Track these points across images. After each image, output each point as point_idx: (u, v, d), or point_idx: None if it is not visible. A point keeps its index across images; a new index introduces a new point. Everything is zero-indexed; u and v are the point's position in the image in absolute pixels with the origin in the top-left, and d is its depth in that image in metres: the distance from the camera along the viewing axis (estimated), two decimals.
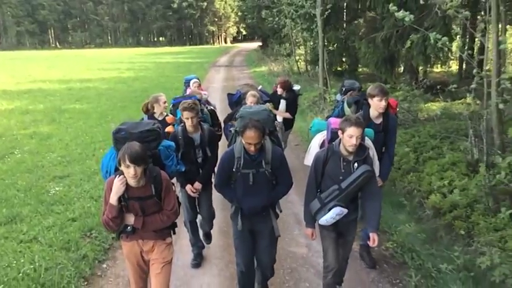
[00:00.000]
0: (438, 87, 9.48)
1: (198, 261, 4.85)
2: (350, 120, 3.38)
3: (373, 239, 3.52)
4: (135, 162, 2.95)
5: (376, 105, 4.35)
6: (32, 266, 4.34)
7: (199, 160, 4.51)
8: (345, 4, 13.49)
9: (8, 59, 42.07)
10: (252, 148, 3.44)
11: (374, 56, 10.62)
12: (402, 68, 14.59)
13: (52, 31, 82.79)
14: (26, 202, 6.12)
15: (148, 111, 5.43)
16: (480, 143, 5.84)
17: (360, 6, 13.80)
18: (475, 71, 5.47)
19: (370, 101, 4.40)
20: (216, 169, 3.90)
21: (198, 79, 7.44)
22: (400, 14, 5.74)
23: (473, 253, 4.53)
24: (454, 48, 9.64)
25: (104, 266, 4.71)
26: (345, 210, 3.51)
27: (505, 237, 4.43)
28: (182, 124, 4.49)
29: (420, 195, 6.04)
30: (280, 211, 3.89)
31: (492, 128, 5.70)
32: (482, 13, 7.28)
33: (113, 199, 3.08)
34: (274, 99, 7.19)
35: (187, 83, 7.42)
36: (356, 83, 5.93)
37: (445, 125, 8.57)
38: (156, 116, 5.37)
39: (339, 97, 5.89)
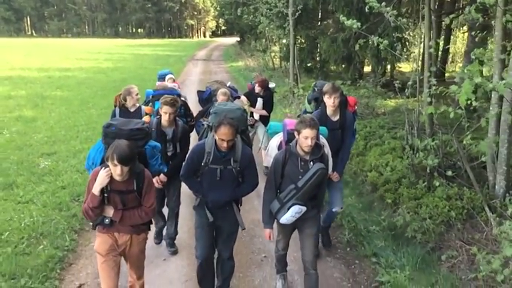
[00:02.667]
0: (396, 85, 10.58)
1: (160, 240, 5.11)
2: (305, 122, 3.48)
3: (336, 175, 4.23)
4: (123, 162, 3.05)
5: (327, 103, 4.56)
6: (31, 219, 5.23)
7: (169, 154, 4.59)
8: (317, 5, 14.43)
9: None
10: (225, 144, 3.48)
11: (335, 54, 11.68)
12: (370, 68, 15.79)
13: (28, 19, 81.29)
14: (19, 173, 6.89)
15: (120, 104, 5.38)
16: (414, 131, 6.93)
17: (328, 9, 14.80)
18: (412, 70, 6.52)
19: (323, 98, 4.62)
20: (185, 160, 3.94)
21: (172, 74, 7.64)
22: (349, 22, 6.59)
23: (396, 217, 5.60)
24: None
25: (91, 223, 5.54)
26: (304, 208, 3.62)
27: (421, 204, 5.49)
28: (158, 117, 4.59)
29: (363, 174, 7.10)
30: (241, 205, 3.99)
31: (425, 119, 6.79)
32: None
33: (96, 189, 3.15)
34: (251, 98, 7.47)
35: (161, 78, 7.56)
36: (328, 83, 6.47)
37: (394, 118, 9.69)
38: (128, 108, 5.34)
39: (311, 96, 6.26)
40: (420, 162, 5.80)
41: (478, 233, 4.78)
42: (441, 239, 4.95)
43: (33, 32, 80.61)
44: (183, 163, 3.97)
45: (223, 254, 4.01)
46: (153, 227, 4.65)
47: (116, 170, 3.08)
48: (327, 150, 3.97)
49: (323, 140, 3.98)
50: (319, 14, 17.58)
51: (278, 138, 4.15)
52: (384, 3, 6.11)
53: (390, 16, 6.50)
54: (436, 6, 6.10)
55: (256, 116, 7.56)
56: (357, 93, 11.12)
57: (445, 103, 5.98)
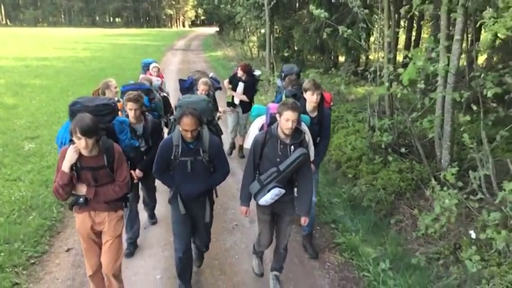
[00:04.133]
0: (365, 73, 11.20)
1: (131, 250, 4.80)
2: (287, 105, 3.55)
3: (304, 220, 3.88)
4: (86, 134, 3.03)
5: (309, 99, 4.56)
6: (20, 194, 5.67)
7: (143, 149, 4.57)
8: None
9: None
10: (189, 135, 3.53)
11: (307, 44, 12.22)
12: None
13: (2, 8, 79.40)
14: (5, 155, 7.26)
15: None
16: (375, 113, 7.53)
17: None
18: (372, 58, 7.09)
19: (304, 94, 4.61)
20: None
21: (156, 63, 7.68)
22: (317, 12, 7.12)
23: (355, 190, 6.20)
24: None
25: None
26: (283, 191, 3.68)
27: (377, 177, 6.10)
28: (127, 113, 4.53)
29: (329, 154, 7.69)
30: (216, 196, 4.09)
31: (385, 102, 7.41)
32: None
33: (65, 166, 3.15)
34: (234, 81, 7.53)
35: (145, 67, 7.57)
36: (295, 67, 6.37)
37: (362, 104, 10.31)
38: None
39: (279, 82, 6.43)
40: (378, 140, 6.40)
41: (423, 201, 5.42)
42: (392, 207, 5.58)
43: (8, 21, 78.82)
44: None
45: (201, 248, 4.13)
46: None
47: (81, 143, 3.07)
48: (308, 137, 4.04)
49: (305, 127, 4.02)
50: (297, 4, 18.08)
51: (260, 121, 4.22)
52: None
53: (354, 7, 7.08)
54: None
55: (237, 101, 7.57)
56: (330, 81, 11.70)
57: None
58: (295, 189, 3.96)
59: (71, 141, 3.21)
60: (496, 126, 5.27)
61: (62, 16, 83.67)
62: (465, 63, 6.87)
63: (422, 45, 20.44)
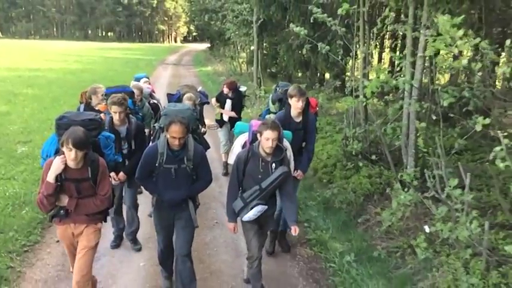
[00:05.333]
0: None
1: (117, 242, 5.11)
2: (267, 124, 3.65)
3: (295, 229, 3.87)
4: (77, 146, 3.12)
5: (295, 105, 4.65)
6: (14, 190, 6.05)
7: (125, 151, 4.65)
8: (277, 15, 15.53)
9: None
10: (176, 142, 3.60)
11: (291, 59, 12.83)
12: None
13: None
14: None
15: (86, 101, 5.48)
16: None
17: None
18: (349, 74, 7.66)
19: (289, 100, 4.69)
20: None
21: (147, 78, 7.80)
22: (297, 29, 7.66)
23: (328, 192, 6.65)
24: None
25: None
26: (265, 207, 3.84)
27: (349, 182, 6.58)
28: (111, 115, 4.59)
29: None
30: (198, 204, 4.24)
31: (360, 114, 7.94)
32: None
33: (51, 176, 3.20)
34: (221, 99, 7.72)
35: (137, 81, 7.33)
36: (289, 85, 6.49)
37: (342, 117, 10.86)
38: (93, 106, 5.35)
39: (271, 97, 6.54)
40: (351, 148, 6.90)
41: (389, 202, 5.89)
42: (361, 208, 6.05)
43: (0, 33, 79.02)
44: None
45: (181, 251, 4.04)
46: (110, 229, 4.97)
47: (71, 155, 3.13)
48: (289, 154, 4.14)
49: (286, 144, 4.10)
50: (285, 21, 18.77)
51: (243, 138, 4.28)
52: (325, 15, 7.17)
53: (331, 26, 7.64)
54: (368, 19, 7.22)
55: (226, 118, 7.74)
56: (313, 95, 12.26)
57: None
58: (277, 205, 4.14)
59: (56, 154, 3.33)
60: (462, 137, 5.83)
61: (54, 29, 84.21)
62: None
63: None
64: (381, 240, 5.25)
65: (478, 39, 3.66)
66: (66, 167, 3.25)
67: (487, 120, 3.78)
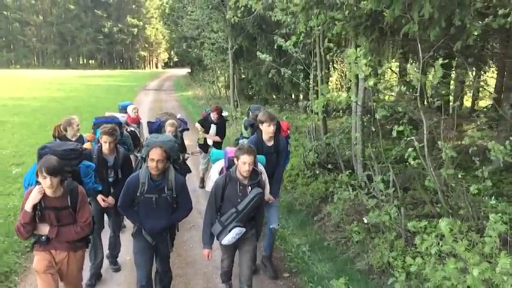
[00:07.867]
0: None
1: (93, 282, 4.87)
2: (243, 149, 3.83)
3: (269, 198, 4.46)
4: (51, 173, 3.18)
5: (266, 130, 4.83)
6: (14, 204, 6.85)
7: (111, 180, 4.75)
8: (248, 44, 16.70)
9: None
10: (154, 164, 3.69)
11: (260, 82, 14.00)
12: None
13: None
14: None
15: (60, 134, 5.51)
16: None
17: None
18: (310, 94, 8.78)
19: (260, 126, 4.87)
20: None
21: (134, 105, 8.06)
22: (263, 56, 8.75)
23: (289, 197, 7.63)
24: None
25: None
26: (243, 230, 3.95)
27: (308, 188, 7.58)
28: (99, 144, 4.71)
29: None
30: (177, 230, 4.44)
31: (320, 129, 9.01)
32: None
33: (28, 206, 3.27)
34: (205, 124, 8.12)
35: (123, 110, 7.73)
36: (261, 107, 6.93)
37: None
38: (69, 138, 5.43)
39: (245, 122, 6.76)
40: (310, 159, 7.95)
41: None
42: (317, 209, 7.03)
43: None
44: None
45: (162, 269, 4.35)
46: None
47: (46, 182, 3.20)
48: (264, 176, 4.30)
49: (261, 168, 4.27)
50: (256, 49, 20.03)
51: (220, 164, 4.45)
52: (288, 42, 8.23)
53: (292, 52, 8.74)
54: (323, 46, 8.34)
55: (210, 142, 8.16)
56: (287, 116, 13.35)
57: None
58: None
59: (37, 183, 3.37)
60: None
61: (35, 58, 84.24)
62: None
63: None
64: (332, 233, 6.22)
65: (387, 64, 4.77)
66: (46, 196, 3.35)
67: (401, 128, 4.87)
